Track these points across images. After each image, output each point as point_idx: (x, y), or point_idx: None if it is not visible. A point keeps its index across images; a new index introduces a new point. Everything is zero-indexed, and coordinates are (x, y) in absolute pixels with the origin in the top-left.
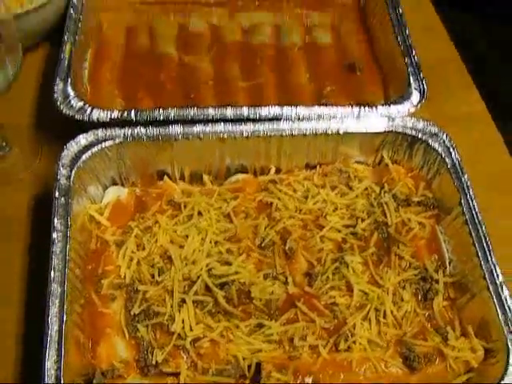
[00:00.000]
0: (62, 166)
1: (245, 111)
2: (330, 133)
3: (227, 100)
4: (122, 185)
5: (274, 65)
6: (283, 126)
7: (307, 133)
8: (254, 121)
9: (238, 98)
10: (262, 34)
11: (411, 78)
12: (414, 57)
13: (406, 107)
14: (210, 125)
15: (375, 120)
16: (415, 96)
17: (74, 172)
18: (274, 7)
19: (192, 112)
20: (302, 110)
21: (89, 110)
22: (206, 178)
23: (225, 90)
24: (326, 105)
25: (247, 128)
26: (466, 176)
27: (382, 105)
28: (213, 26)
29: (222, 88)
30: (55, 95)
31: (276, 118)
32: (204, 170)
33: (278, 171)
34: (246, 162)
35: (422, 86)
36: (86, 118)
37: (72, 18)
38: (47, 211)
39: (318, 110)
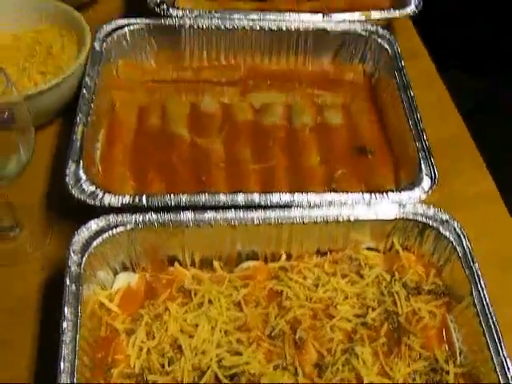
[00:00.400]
0: (73, 252)
1: (256, 198)
2: (340, 220)
3: (239, 183)
4: (133, 269)
5: (285, 147)
6: (294, 213)
7: (318, 220)
8: (265, 207)
9: (250, 180)
10: (273, 115)
11: (422, 163)
12: (425, 141)
13: (417, 194)
14: (221, 211)
15: (386, 206)
16: (426, 182)
17: (84, 259)
18: (286, 87)
19: (203, 198)
20: (313, 197)
21: (100, 194)
22: (216, 264)
23: (236, 173)
24: (337, 190)
25: (258, 215)
26: (476, 265)
27: (393, 191)
28: (224, 106)
29: (233, 171)
30: (67, 178)
31: (287, 205)
32: (215, 255)
33: (288, 256)
34: (256, 248)
35: (433, 172)
36: (97, 203)
37: (85, 97)
38: (57, 293)
39: (329, 196)
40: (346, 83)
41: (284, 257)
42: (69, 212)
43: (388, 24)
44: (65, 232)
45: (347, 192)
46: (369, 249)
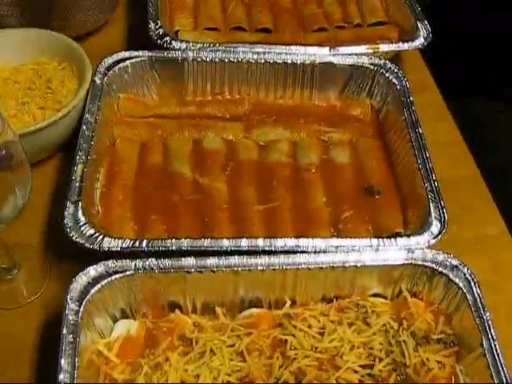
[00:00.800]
0: (71, 300)
1: (260, 243)
2: (347, 266)
3: (242, 225)
4: (133, 316)
5: (291, 187)
6: (299, 259)
7: (324, 266)
8: (270, 253)
9: (254, 222)
10: (278, 152)
11: (431, 205)
12: (434, 182)
13: (425, 238)
14: (223, 257)
15: (394, 252)
16: (435, 226)
17: (82, 306)
18: (291, 123)
19: (205, 243)
20: (318, 243)
21: (100, 238)
22: (219, 310)
23: (240, 215)
24: (343, 233)
25: (262, 261)
26: (487, 314)
27: (401, 236)
28: (228, 142)
29: (237, 212)
30: (65, 220)
31: (292, 251)
32: (217, 302)
33: (293, 303)
34: (260, 295)
35: (442, 215)
36: (96, 247)
37: (85, 135)
38: (55, 337)
39: (335, 242)
40: (353, 119)
41: (288, 303)
42: (68, 252)
43: (396, 55)
44: (64, 273)
45: (354, 237)
46: (376, 295)
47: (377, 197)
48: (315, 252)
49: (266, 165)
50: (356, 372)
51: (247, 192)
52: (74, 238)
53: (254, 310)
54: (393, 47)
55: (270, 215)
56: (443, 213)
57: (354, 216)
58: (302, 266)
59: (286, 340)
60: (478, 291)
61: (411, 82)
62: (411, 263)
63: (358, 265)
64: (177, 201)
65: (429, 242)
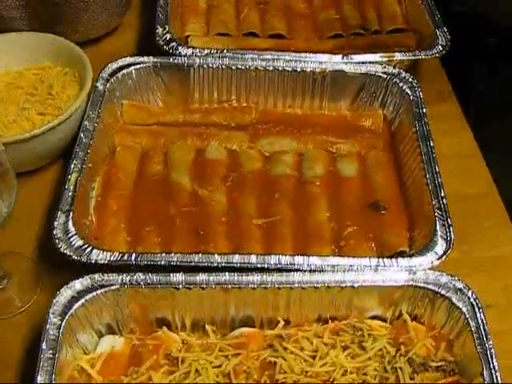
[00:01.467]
0: (53, 314)
1: (253, 260)
2: (344, 286)
3: (239, 239)
4: (120, 331)
5: (293, 200)
6: (294, 277)
7: (319, 286)
8: (263, 270)
9: (251, 237)
10: (283, 164)
11: (438, 223)
12: (442, 199)
13: (429, 259)
14: (213, 274)
15: (394, 273)
16: (440, 246)
17: (65, 321)
18: (299, 133)
19: (196, 258)
20: (314, 261)
21: (88, 250)
22: (208, 328)
23: (237, 228)
24: (345, 251)
25: (254, 279)
26: (490, 342)
27: (403, 256)
28: (231, 153)
29: (234, 225)
30: (55, 231)
31: (286, 269)
32: (207, 319)
33: (287, 322)
34: (252, 313)
35: (449, 235)
36: (83, 259)
37: (82, 143)
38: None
39: (332, 260)
40: (363, 130)
41: (282, 323)
42: (60, 262)
43: (414, 64)
44: (56, 284)
45: (352, 256)
46: (374, 317)
47: (382, 212)
48: (310, 271)
49: (270, 177)
50: None
51: (247, 204)
52: (61, 249)
53: (245, 330)
54: (408, 56)
55: (269, 230)
56: (450, 232)
57: (357, 232)
58: (296, 285)
59: (276, 363)
60: (482, 317)
61: (429, 91)
62: (412, 285)
63: (356, 285)
64: (173, 212)
65: (432, 263)
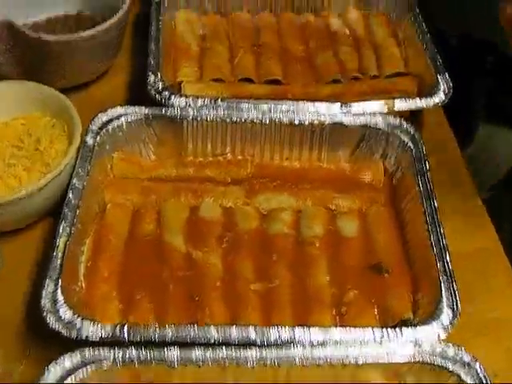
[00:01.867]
0: None
1: (252, 334)
2: (347, 362)
3: (236, 306)
4: None
5: (292, 262)
6: (294, 352)
7: (321, 362)
8: (261, 345)
9: (248, 303)
10: (280, 223)
11: (443, 289)
12: (447, 263)
13: (435, 330)
14: (210, 349)
15: (399, 345)
16: (446, 315)
17: None
18: (296, 189)
19: (192, 333)
20: (317, 336)
21: (78, 323)
22: None
23: (234, 294)
24: (347, 319)
25: (253, 354)
26: None
27: (407, 325)
28: (226, 210)
29: (231, 291)
30: (43, 301)
31: (287, 343)
32: None
33: None
34: None
35: (455, 302)
36: (73, 335)
37: (70, 204)
38: None
39: (335, 334)
40: (363, 184)
41: None
42: (48, 333)
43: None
44: (43, 355)
45: (356, 327)
46: None
47: (385, 275)
48: (312, 345)
49: (266, 236)
50: None
51: (243, 267)
52: (50, 323)
53: None
54: (409, 104)
55: (267, 295)
56: (456, 300)
57: (359, 298)
58: (297, 361)
59: None
60: None
61: (430, 140)
62: (419, 361)
63: (360, 362)
64: (167, 277)
65: (438, 335)
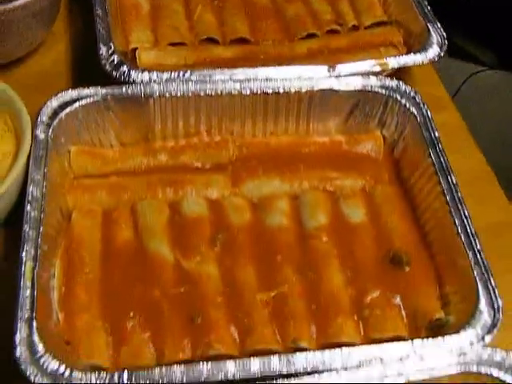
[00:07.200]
0: None
1: (276, 365)
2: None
3: (245, 324)
4: None
5: (299, 262)
6: (325, 379)
7: None
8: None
9: (259, 319)
10: (277, 213)
11: (479, 284)
12: (479, 252)
13: (478, 333)
14: None
15: (441, 357)
16: (488, 314)
17: None
18: (289, 171)
19: (205, 370)
20: (352, 360)
21: (66, 373)
22: None
23: (240, 309)
24: (372, 325)
25: None
26: None
27: (442, 325)
28: (212, 204)
29: (235, 306)
30: (18, 351)
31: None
32: None
33: None
34: None
35: (495, 300)
36: None
37: (31, 219)
38: None
39: (368, 353)
40: (363, 158)
41: None
42: None
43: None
44: None
45: (389, 340)
46: None
47: (406, 268)
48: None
49: (264, 231)
50: None
51: (245, 274)
52: (32, 378)
53: None
54: (403, 61)
55: (277, 306)
56: (495, 296)
57: (381, 298)
58: None
59: None
60: None
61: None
62: (465, 370)
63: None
64: (158, 296)
65: (483, 339)
